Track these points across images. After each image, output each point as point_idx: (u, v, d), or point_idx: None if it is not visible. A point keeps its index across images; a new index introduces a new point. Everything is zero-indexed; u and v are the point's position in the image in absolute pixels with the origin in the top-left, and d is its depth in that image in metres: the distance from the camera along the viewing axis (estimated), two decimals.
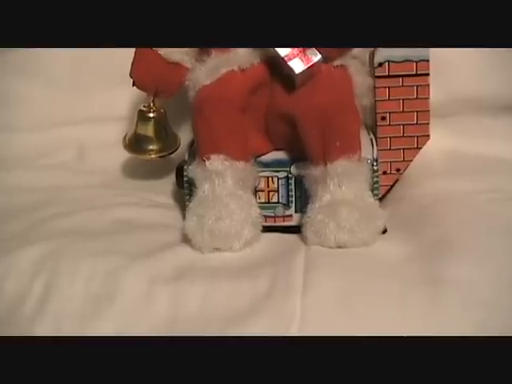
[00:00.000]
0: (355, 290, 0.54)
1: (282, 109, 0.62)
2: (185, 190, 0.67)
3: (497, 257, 0.56)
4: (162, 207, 0.71)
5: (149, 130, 0.73)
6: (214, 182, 0.62)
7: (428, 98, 0.66)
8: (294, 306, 0.53)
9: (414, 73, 0.65)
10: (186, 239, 0.62)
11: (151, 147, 0.73)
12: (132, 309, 0.55)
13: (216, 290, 0.56)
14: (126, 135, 0.74)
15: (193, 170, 0.63)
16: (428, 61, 0.65)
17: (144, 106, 0.72)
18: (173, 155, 0.74)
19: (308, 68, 0.60)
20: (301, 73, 0.60)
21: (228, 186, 0.62)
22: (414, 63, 0.65)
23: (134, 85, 0.70)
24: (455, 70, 0.72)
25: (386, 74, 0.65)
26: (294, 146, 0.63)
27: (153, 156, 0.73)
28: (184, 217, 0.63)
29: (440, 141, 0.69)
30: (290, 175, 0.65)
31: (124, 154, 0.75)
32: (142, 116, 0.72)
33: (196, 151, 0.64)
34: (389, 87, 0.66)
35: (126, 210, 0.69)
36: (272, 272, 0.57)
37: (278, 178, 0.65)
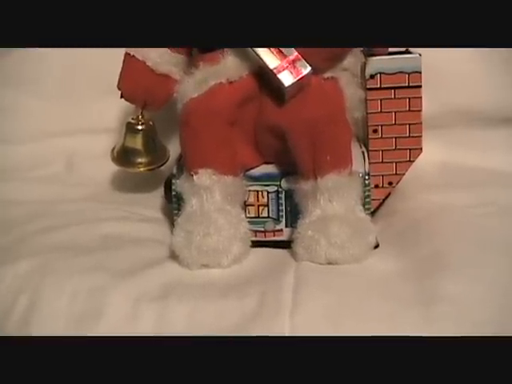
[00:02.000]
0: (345, 309, 0.53)
1: (271, 122, 0.61)
2: (173, 205, 0.65)
3: (492, 273, 0.55)
4: (151, 222, 0.70)
5: (137, 142, 0.71)
6: (202, 197, 0.61)
7: (420, 111, 0.65)
8: (282, 326, 0.52)
9: (407, 85, 0.64)
10: (173, 255, 0.61)
11: (140, 160, 0.72)
12: (117, 328, 0.54)
13: (203, 309, 0.54)
14: (114, 148, 0.73)
15: (181, 185, 0.62)
16: (420, 73, 0.64)
17: (132, 119, 0.71)
18: (162, 168, 0.72)
19: (298, 81, 0.59)
20: (290, 85, 0.59)
21: (216, 201, 0.61)
22: (407, 75, 0.64)
23: (122, 97, 0.69)
24: (449, 81, 0.71)
25: (378, 86, 0.64)
26: (284, 159, 0.62)
27: (141, 169, 0.72)
28: (172, 232, 0.62)
29: (433, 153, 0.68)
30: (280, 189, 0.64)
31: (113, 166, 0.74)
32: (130, 128, 0.71)
33: (184, 165, 0.63)
34: (381, 99, 0.65)
35: (115, 225, 0.68)
36: (261, 290, 0.56)
37: (268, 192, 0.64)
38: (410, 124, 0.65)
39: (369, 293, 0.55)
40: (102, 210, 0.71)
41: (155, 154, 0.72)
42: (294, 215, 0.63)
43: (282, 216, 0.64)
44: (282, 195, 0.64)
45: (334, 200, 0.60)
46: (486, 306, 0.52)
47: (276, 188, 0.64)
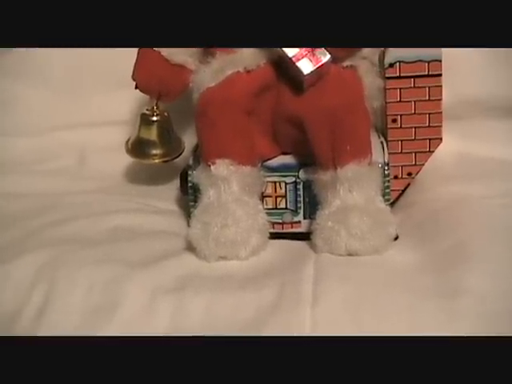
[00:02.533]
0: (365, 301, 0.52)
1: (289, 111, 0.60)
2: (189, 196, 0.64)
3: (509, 264, 0.54)
4: (165, 214, 0.69)
5: (152, 133, 0.70)
6: (220, 188, 0.60)
7: (441, 100, 0.64)
8: (303, 317, 0.51)
9: (426, 73, 0.63)
10: (190, 247, 0.60)
11: (154, 152, 0.71)
12: (133, 320, 0.53)
13: (220, 301, 0.53)
14: (128, 139, 0.72)
15: (197, 176, 0.61)
16: (440, 61, 0.63)
17: (147, 110, 0.70)
18: (177, 160, 0.71)
19: (317, 69, 0.58)
20: (309, 74, 0.58)
21: (234, 191, 0.60)
22: (426, 63, 0.63)
23: (136, 87, 0.68)
24: (467, 71, 0.69)
25: (397, 74, 0.63)
26: (303, 149, 0.61)
27: (156, 161, 0.71)
28: (188, 224, 0.61)
29: (452, 144, 0.67)
30: (298, 180, 0.63)
31: (126, 159, 0.73)
32: (144, 120, 0.70)
33: (200, 156, 0.62)
34: (400, 88, 0.64)
35: (128, 217, 0.67)
36: (280, 282, 0.55)
37: (286, 183, 0.63)
38: (429, 113, 0.64)
39: (389, 285, 0.54)
40: (115, 202, 0.70)
41: (170, 146, 0.71)
42: (312, 206, 0.62)
43: (300, 207, 0.63)
44: (300, 186, 0.63)
45: (353, 190, 0.59)
46: (508, 299, 0.51)
47: (294, 179, 0.63)
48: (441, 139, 0.65)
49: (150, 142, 0.71)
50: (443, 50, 0.63)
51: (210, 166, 0.60)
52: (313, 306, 0.52)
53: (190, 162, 0.64)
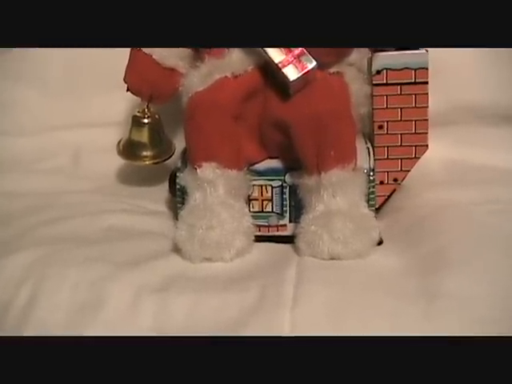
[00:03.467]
0: (347, 304, 0.53)
1: (275, 116, 0.61)
2: (177, 198, 0.65)
3: (495, 271, 0.55)
4: (155, 215, 0.70)
5: (143, 135, 0.72)
6: (206, 191, 0.61)
7: (427, 107, 0.64)
8: (282, 320, 0.51)
9: (413, 81, 0.63)
10: (176, 248, 0.61)
11: (145, 153, 0.72)
12: (117, 319, 0.54)
13: (203, 302, 0.54)
14: (120, 141, 0.73)
15: (184, 178, 0.62)
16: (427, 69, 0.63)
17: (138, 112, 0.71)
18: (168, 161, 0.73)
19: (303, 75, 0.59)
20: (295, 80, 0.59)
21: (220, 194, 0.61)
22: (413, 71, 0.63)
23: (128, 90, 0.69)
24: (456, 78, 0.70)
25: (384, 81, 0.64)
26: (289, 154, 0.62)
27: (147, 162, 0.72)
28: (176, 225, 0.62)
29: (440, 150, 0.68)
30: (284, 184, 0.63)
31: (119, 160, 0.74)
32: (136, 122, 0.71)
33: (187, 159, 0.62)
34: (387, 95, 0.64)
35: (119, 217, 0.68)
36: (262, 284, 0.55)
37: (272, 187, 0.64)
38: (416, 120, 0.64)
39: (370, 289, 0.54)
40: (106, 203, 0.72)
41: (161, 148, 0.72)
42: (298, 210, 0.63)
43: (286, 211, 0.64)
44: (287, 190, 0.64)
45: (337, 195, 0.59)
46: (489, 303, 0.52)
47: (280, 183, 0.64)
48: (427, 146, 0.65)
49: (141, 144, 0.72)
50: (432, 56, 0.63)
51: (196, 168, 0.61)
52: (292, 307, 0.52)
53: (179, 164, 0.65)
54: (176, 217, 0.66)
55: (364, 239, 0.59)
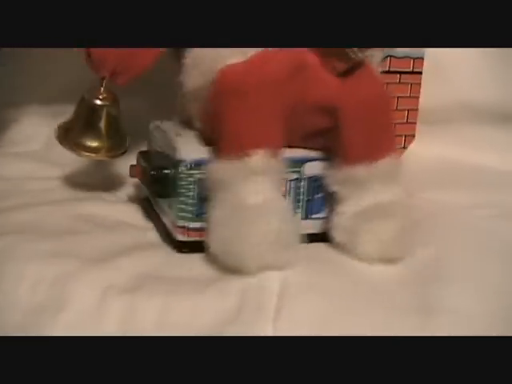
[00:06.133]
0: (335, 316, 0.49)
1: (322, 100, 0.54)
2: (179, 198, 0.55)
3: (492, 283, 0.54)
4: (128, 205, 0.62)
5: (95, 122, 0.58)
6: (252, 186, 0.52)
7: (418, 97, 0.64)
8: (263, 331, 0.47)
9: (411, 70, 0.63)
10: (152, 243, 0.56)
11: (97, 144, 0.59)
12: (79, 323, 0.47)
13: (176, 305, 0.48)
14: (61, 125, 0.59)
15: (217, 170, 0.52)
16: (423, 59, 0.63)
17: (90, 91, 0.58)
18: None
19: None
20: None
21: (268, 188, 0.53)
22: (412, 60, 0.63)
23: (87, 58, 0.56)
24: (452, 78, 0.70)
25: (387, 69, 0.62)
26: (316, 142, 0.56)
27: (99, 157, 0.59)
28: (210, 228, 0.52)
29: (435, 151, 0.67)
30: (300, 176, 0.57)
31: None
32: (87, 104, 0.58)
33: (221, 146, 0.53)
34: (387, 83, 0.63)
35: (89, 206, 0.61)
36: (243, 288, 0.50)
37: (287, 181, 0.57)
38: (408, 110, 0.64)
39: (362, 299, 0.51)
40: (76, 191, 0.64)
41: (116, 139, 0.59)
42: (313, 206, 0.58)
43: (301, 207, 0.58)
44: (303, 183, 0.58)
45: (389, 185, 0.56)
46: (485, 317, 0.50)
47: (297, 176, 0.57)
48: (414, 136, 0.65)
49: (93, 133, 0.59)
50: (428, 54, 0.63)
51: (240, 157, 0.52)
52: (275, 319, 0.48)
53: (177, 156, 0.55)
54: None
55: (406, 240, 0.56)
